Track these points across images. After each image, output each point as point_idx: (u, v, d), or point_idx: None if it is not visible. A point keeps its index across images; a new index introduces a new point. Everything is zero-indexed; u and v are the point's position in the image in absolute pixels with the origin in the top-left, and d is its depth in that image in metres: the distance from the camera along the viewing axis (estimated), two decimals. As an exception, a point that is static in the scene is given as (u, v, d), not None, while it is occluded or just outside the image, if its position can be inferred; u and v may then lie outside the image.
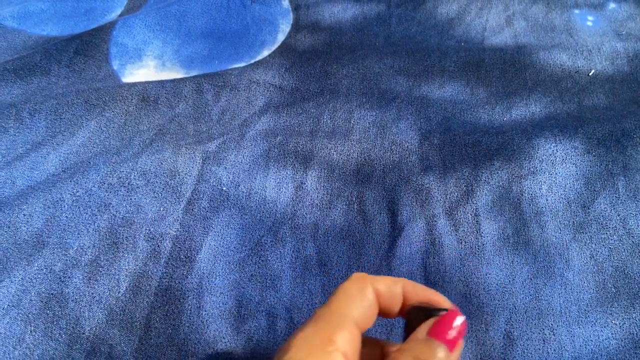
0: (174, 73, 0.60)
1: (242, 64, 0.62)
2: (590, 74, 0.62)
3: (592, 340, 0.46)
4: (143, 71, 0.60)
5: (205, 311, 0.44)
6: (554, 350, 0.45)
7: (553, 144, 0.55)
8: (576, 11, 0.69)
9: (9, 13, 0.64)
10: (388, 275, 0.47)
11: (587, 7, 0.70)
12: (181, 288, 0.45)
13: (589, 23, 0.68)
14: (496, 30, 0.67)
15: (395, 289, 0.28)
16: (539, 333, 0.46)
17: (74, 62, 0.59)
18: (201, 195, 0.50)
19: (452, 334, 0.25)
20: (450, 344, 0.25)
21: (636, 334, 0.45)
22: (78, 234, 0.46)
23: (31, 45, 0.61)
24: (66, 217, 0.47)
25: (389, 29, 0.67)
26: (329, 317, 0.25)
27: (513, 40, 0.65)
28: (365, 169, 0.54)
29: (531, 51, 0.64)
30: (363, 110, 0.58)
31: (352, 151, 0.55)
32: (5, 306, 0.42)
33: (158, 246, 0.47)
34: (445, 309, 0.27)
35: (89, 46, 0.60)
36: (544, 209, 0.52)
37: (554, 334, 0.46)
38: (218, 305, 0.45)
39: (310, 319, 0.25)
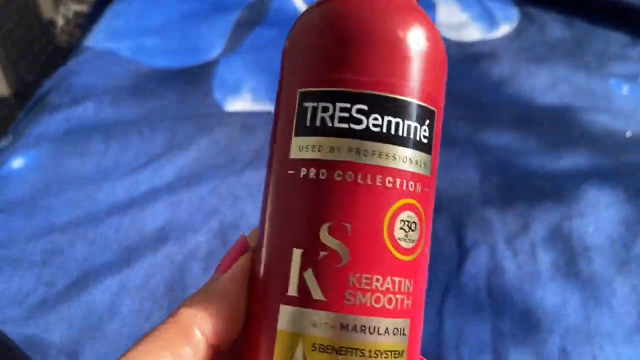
0: (267, 106, 0.70)
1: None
2: (626, 135, 0.71)
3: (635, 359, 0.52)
4: (240, 102, 0.70)
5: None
6: (604, 366, 0.51)
7: (598, 192, 0.63)
8: (612, 80, 0.79)
9: (124, 45, 0.74)
10: (458, 289, 0.54)
11: (622, 77, 0.80)
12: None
13: (624, 91, 0.78)
14: (543, 92, 0.76)
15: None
16: (590, 349, 0.52)
17: (184, 91, 0.69)
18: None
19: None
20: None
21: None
22: (194, 231, 0.54)
23: (145, 74, 0.71)
24: (183, 217, 0.55)
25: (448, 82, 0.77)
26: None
27: (559, 101, 0.75)
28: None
29: (575, 111, 0.73)
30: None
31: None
32: (136, 285, 0.49)
33: (261, 248, 0.54)
34: None
35: (197, 78, 0.70)
36: (591, 246, 0.59)
37: (602, 352, 0.52)
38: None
39: None
